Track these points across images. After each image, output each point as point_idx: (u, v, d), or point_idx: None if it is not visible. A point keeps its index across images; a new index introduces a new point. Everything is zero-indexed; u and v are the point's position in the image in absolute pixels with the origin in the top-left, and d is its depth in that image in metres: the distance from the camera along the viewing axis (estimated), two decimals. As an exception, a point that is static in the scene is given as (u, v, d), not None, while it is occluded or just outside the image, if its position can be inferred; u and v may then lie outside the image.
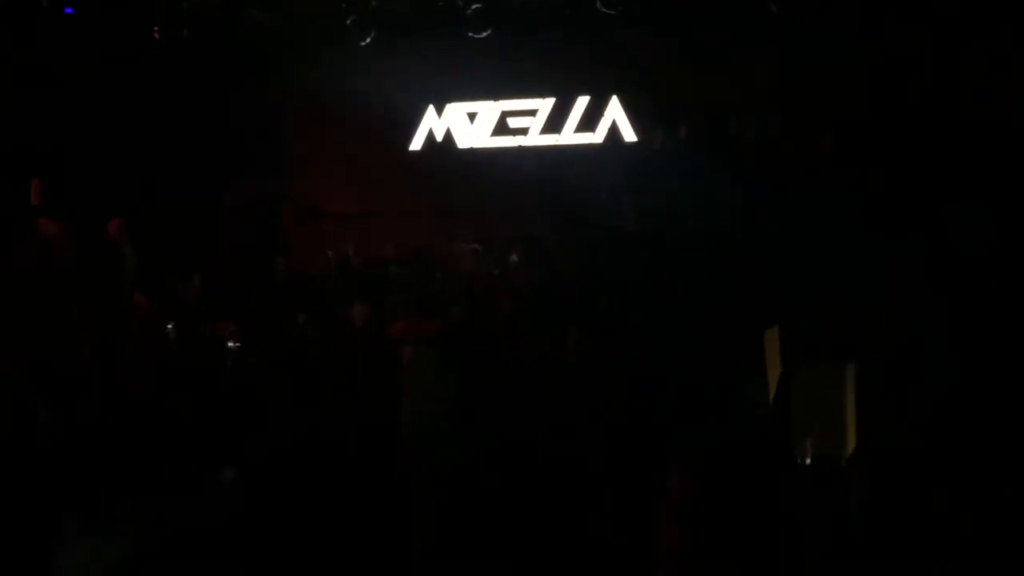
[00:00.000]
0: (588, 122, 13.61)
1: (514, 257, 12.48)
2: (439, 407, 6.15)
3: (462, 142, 14.19)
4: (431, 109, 14.18)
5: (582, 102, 13.64)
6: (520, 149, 13.92)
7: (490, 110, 14.07)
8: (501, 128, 14.04)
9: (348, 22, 12.51)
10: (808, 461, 6.55)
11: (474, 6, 12.27)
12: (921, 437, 7.28)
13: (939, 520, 6.40)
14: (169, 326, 9.00)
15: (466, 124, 14.17)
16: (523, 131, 13.94)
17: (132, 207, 11.14)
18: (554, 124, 13.75)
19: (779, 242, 8.31)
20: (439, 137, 14.20)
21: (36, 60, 11.58)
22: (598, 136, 13.58)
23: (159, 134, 12.78)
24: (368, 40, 12.53)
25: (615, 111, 13.47)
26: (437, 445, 6.02)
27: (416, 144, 14.26)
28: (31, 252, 8.86)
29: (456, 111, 14.20)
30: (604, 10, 11.75)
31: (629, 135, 13.42)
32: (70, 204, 9.94)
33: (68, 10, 12.27)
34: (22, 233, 9.01)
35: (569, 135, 13.71)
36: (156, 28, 12.62)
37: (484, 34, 12.66)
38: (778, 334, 6.53)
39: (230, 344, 9.05)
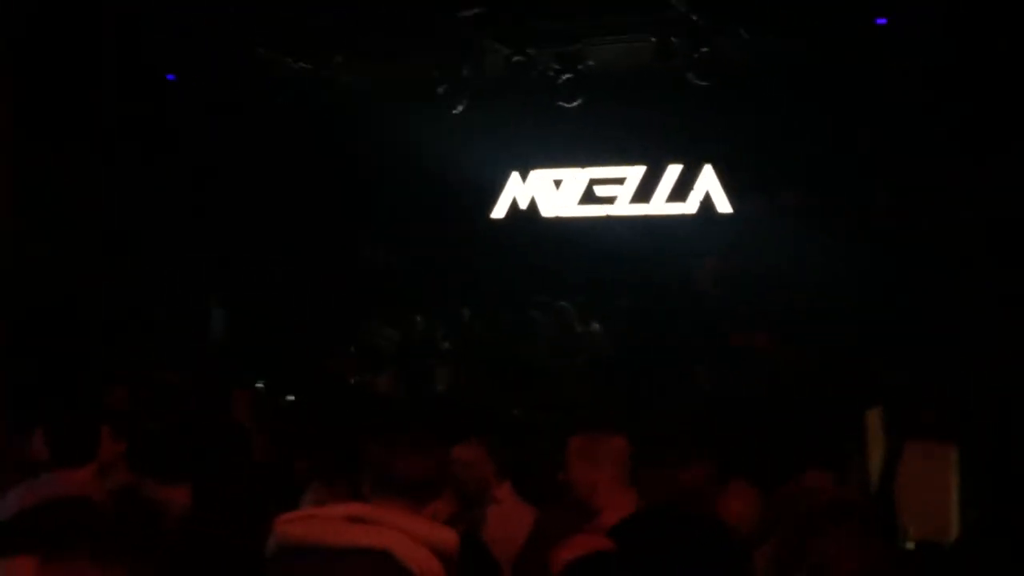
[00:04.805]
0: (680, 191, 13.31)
1: (595, 325, 12.35)
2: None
3: (547, 210, 14.09)
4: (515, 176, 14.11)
5: (673, 170, 13.37)
6: (608, 219, 13.77)
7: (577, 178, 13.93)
8: (588, 197, 13.90)
9: (440, 90, 12.43)
10: (911, 545, 6.27)
11: (564, 76, 12.13)
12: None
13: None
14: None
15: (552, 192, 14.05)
16: (611, 200, 13.77)
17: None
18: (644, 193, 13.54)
19: (881, 317, 8.04)
20: (523, 205, 14.10)
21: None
22: (690, 206, 13.33)
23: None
24: (460, 107, 12.43)
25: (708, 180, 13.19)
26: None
27: (499, 212, 14.21)
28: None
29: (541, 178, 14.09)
30: (696, 81, 11.53)
31: (723, 205, 13.09)
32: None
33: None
34: None
35: (660, 204, 13.48)
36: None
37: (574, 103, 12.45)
38: (881, 414, 6.30)
39: None
